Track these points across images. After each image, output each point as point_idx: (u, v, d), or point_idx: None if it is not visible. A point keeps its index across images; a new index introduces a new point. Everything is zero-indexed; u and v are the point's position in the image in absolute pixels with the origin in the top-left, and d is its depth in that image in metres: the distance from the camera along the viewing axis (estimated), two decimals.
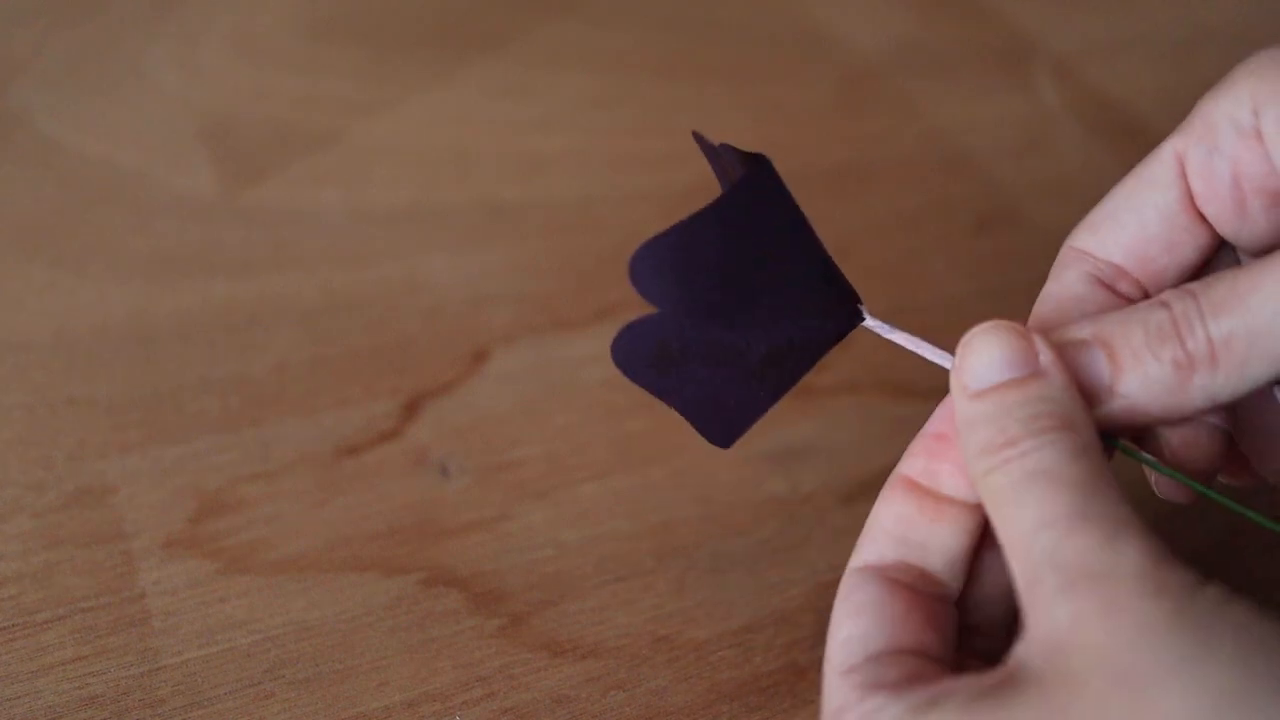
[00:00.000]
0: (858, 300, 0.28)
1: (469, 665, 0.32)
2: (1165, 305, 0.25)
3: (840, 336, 0.28)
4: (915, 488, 0.27)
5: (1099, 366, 0.25)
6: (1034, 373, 0.25)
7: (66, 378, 0.39)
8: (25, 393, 0.38)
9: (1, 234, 0.44)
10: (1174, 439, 0.27)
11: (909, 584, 0.26)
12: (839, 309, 0.27)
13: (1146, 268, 0.28)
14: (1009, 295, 0.45)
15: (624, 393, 0.40)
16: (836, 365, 0.41)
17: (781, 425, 0.39)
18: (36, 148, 0.48)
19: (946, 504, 0.26)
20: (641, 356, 0.27)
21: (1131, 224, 0.28)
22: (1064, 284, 0.28)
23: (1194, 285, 0.25)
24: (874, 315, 0.28)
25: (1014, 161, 0.53)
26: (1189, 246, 0.27)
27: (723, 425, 0.28)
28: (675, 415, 0.39)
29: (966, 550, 0.27)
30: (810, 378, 0.41)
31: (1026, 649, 0.22)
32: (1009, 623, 0.27)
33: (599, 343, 0.42)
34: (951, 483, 0.26)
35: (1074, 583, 0.22)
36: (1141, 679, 0.20)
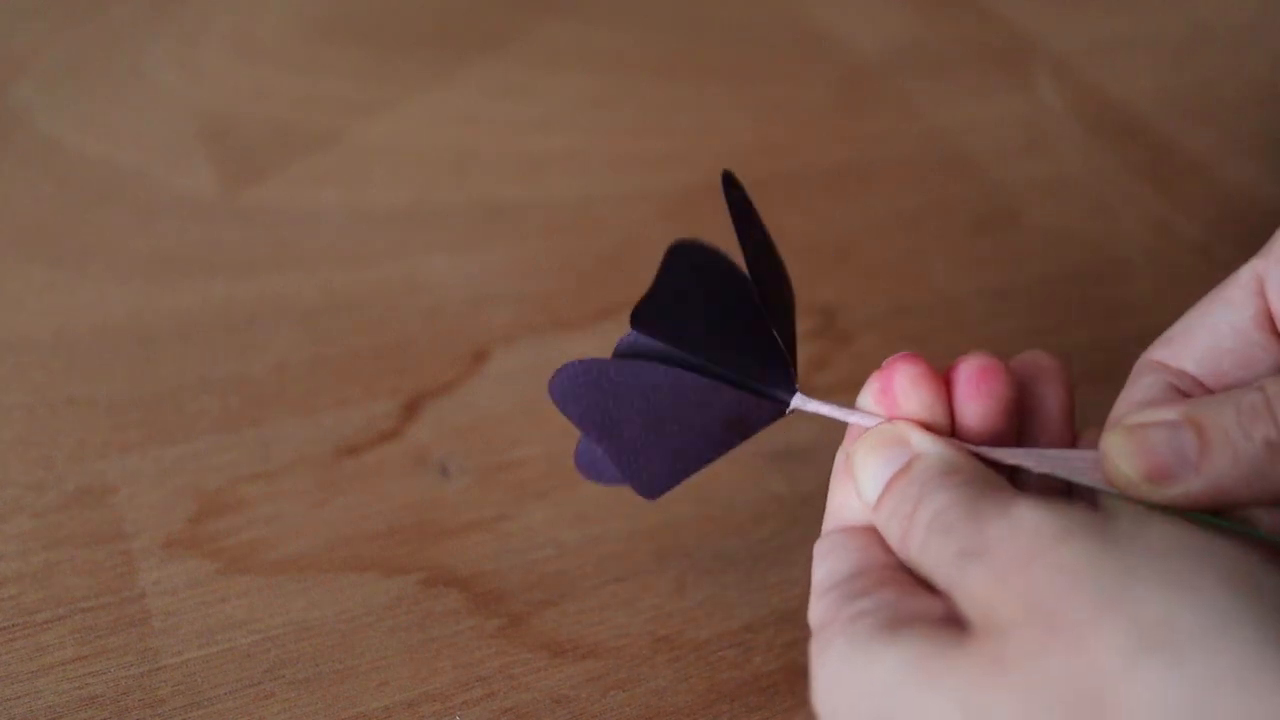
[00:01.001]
0: (793, 383, 0.28)
1: (469, 665, 0.32)
2: (1260, 388, 0.25)
3: (773, 418, 0.29)
4: None
5: (1186, 445, 0.25)
6: (909, 461, 0.26)
7: (66, 378, 0.39)
8: (25, 393, 0.38)
9: (1, 234, 0.44)
10: (1266, 517, 0.26)
11: (875, 531, 0.27)
12: (775, 389, 0.28)
13: (1221, 381, 0.28)
14: (1009, 295, 0.45)
15: None
16: (836, 364, 0.41)
17: (781, 425, 0.39)
18: (36, 148, 0.48)
19: None
20: (580, 394, 0.28)
21: (1205, 338, 0.28)
22: (1141, 388, 0.28)
23: None
24: (806, 394, 0.28)
25: (1014, 161, 0.53)
26: (1263, 362, 0.27)
27: (650, 478, 0.29)
28: None
29: None
30: (809, 376, 0.41)
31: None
32: None
33: (599, 343, 0.42)
34: None
35: (977, 552, 0.22)
36: (1069, 623, 0.20)
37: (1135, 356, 0.29)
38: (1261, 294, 0.27)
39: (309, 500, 0.36)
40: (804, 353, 0.42)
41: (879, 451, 0.26)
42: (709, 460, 0.29)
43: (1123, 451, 0.25)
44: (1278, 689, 0.18)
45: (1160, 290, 0.47)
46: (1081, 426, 0.30)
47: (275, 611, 0.33)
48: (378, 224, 0.46)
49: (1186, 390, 0.28)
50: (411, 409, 0.39)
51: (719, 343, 0.27)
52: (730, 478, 0.38)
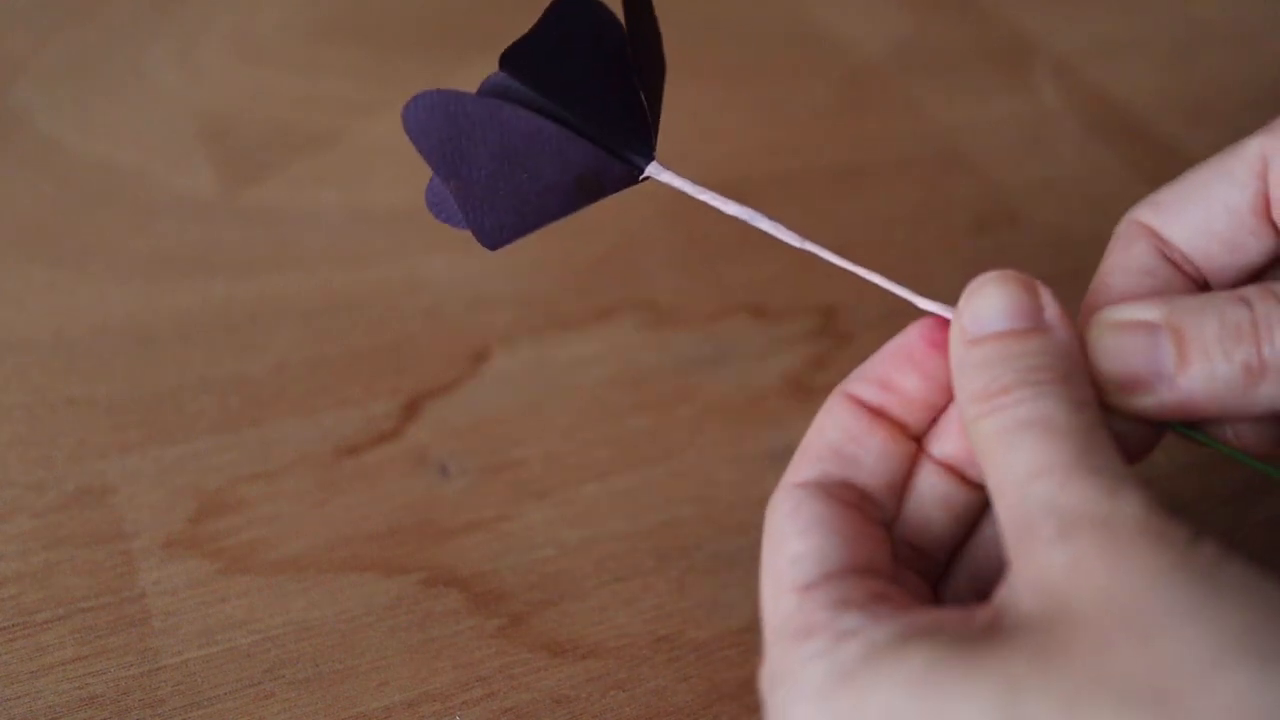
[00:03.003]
0: (652, 151, 0.28)
1: (469, 665, 0.32)
2: (1246, 303, 0.24)
3: (626, 184, 0.28)
4: (861, 404, 0.27)
5: (1164, 353, 0.24)
6: (1036, 327, 0.24)
7: (66, 378, 0.39)
8: (25, 393, 0.38)
9: (1, 234, 0.44)
10: (1232, 428, 0.26)
11: (853, 504, 0.25)
12: (633, 154, 0.28)
13: (1207, 262, 0.27)
14: None
15: (624, 392, 0.40)
16: (836, 364, 0.41)
17: (781, 425, 0.39)
18: (36, 148, 0.48)
19: (892, 422, 0.26)
20: (435, 126, 0.27)
21: (1197, 215, 0.27)
22: (1133, 255, 0.27)
23: (1278, 287, 0.24)
24: (668, 168, 0.28)
25: (1014, 161, 0.53)
26: (1253, 250, 0.26)
27: (493, 227, 0.28)
28: (676, 415, 0.40)
29: (905, 473, 0.26)
30: (809, 376, 0.41)
31: (1014, 594, 0.21)
32: (953, 545, 0.27)
33: (599, 343, 0.42)
34: (900, 410, 0.26)
35: (1074, 527, 0.21)
36: (1149, 623, 0.19)
37: None
38: (1263, 176, 0.26)
39: (309, 500, 0.36)
40: (803, 352, 0.42)
41: (1010, 297, 0.24)
42: (555, 217, 0.28)
43: (1104, 350, 0.24)
44: None
45: None
46: None
47: (275, 611, 0.33)
48: (378, 224, 0.46)
49: (1175, 262, 0.27)
50: (411, 409, 0.39)
51: (585, 96, 0.27)
52: (730, 478, 0.38)
